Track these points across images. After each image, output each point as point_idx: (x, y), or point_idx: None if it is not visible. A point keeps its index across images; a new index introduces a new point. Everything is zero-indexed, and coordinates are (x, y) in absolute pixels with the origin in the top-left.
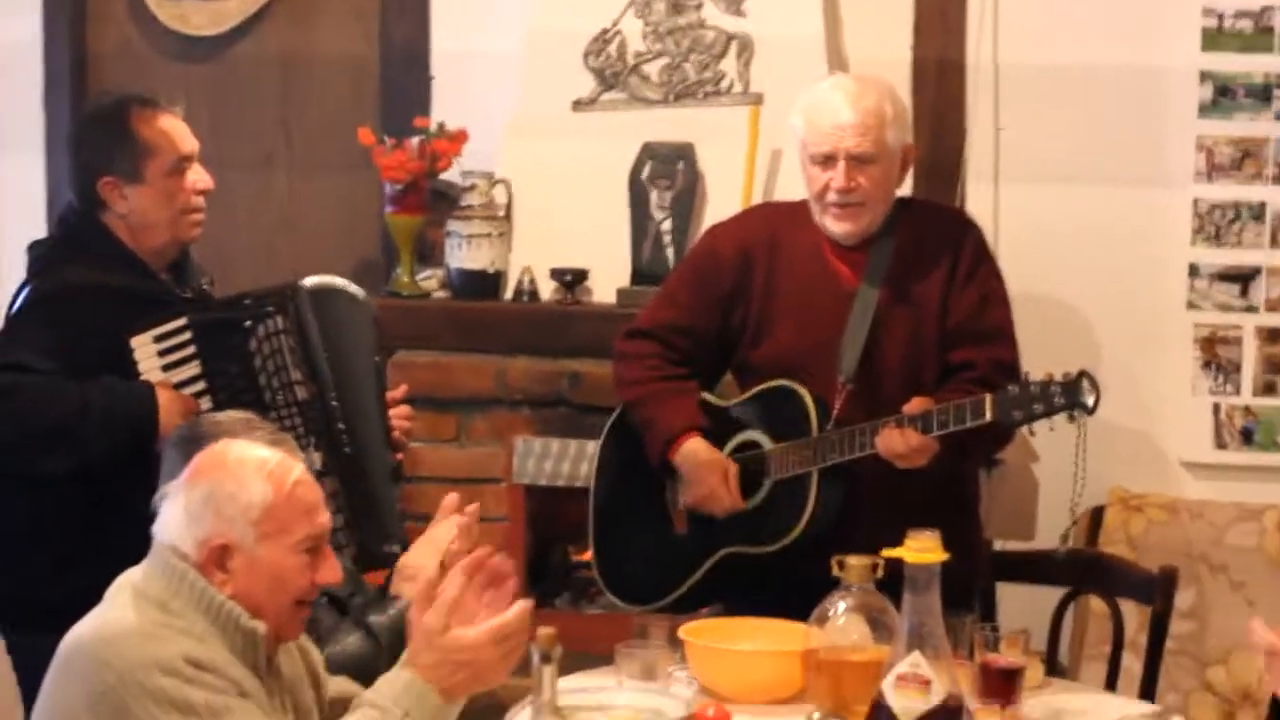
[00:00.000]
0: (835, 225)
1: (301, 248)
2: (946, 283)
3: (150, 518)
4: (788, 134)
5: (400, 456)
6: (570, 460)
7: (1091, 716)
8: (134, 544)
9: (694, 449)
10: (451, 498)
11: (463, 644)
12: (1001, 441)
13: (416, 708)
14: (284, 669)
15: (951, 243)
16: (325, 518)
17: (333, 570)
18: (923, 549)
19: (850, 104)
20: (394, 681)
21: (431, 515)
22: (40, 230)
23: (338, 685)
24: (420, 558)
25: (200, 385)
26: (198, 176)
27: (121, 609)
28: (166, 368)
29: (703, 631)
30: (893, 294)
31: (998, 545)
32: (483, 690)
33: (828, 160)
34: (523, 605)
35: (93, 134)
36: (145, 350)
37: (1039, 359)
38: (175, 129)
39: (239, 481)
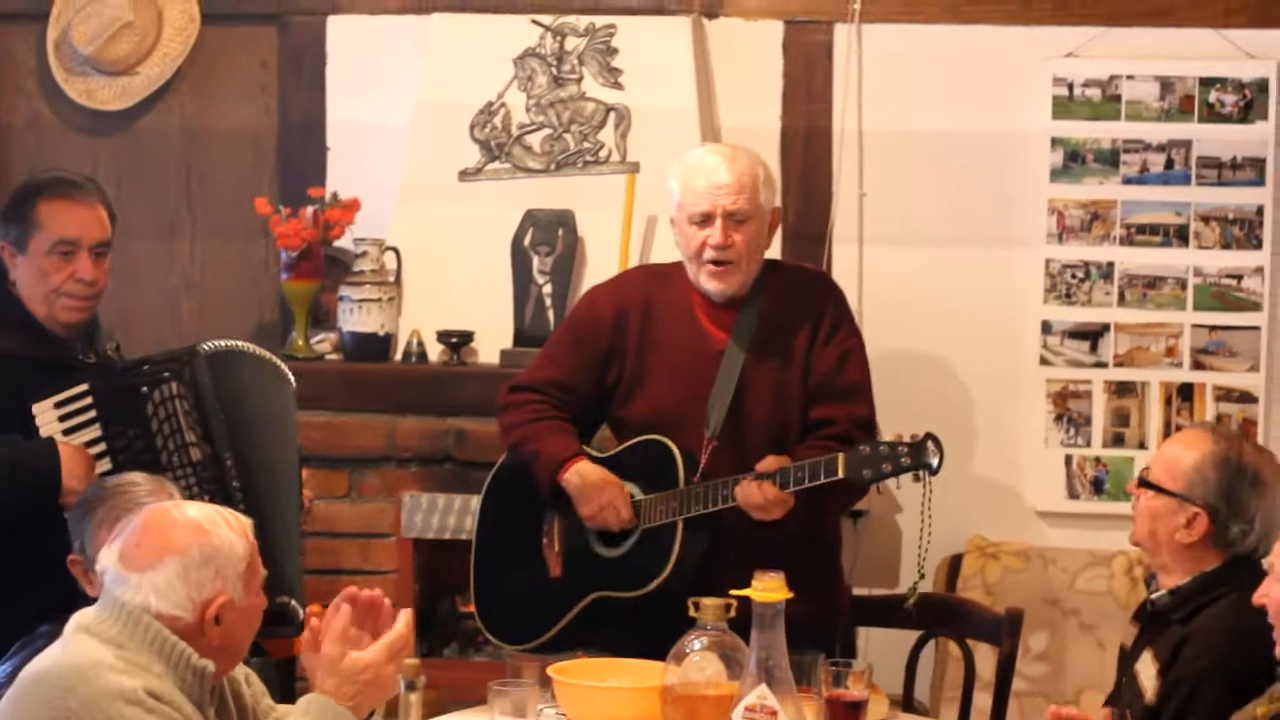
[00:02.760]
0: (710, 283)
1: (203, 312)
2: (809, 342)
3: (54, 569)
4: (663, 200)
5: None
6: (456, 514)
7: None
8: (38, 595)
9: (583, 469)
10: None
11: (362, 664)
12: (855, 496)
13: None
14: (245, 697)
15: (814, 304)
16: None
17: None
18: (768, 589)
19: (726, 166)
20: (308, 707)
21: (322, 569)
22: None
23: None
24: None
25: (100, 447)
26: (81, 265)
27: (83, 644)
28: (67, 432)
29: (570, 670)
30: (758, 354)
31: (863, 591)
32: (385, 700)
33: (705, 219)
34: (406, 614)
35: (9, 200)
36: (46, 416)
37: (901, 413)
38: (67, 214)
39: (221, 539)
